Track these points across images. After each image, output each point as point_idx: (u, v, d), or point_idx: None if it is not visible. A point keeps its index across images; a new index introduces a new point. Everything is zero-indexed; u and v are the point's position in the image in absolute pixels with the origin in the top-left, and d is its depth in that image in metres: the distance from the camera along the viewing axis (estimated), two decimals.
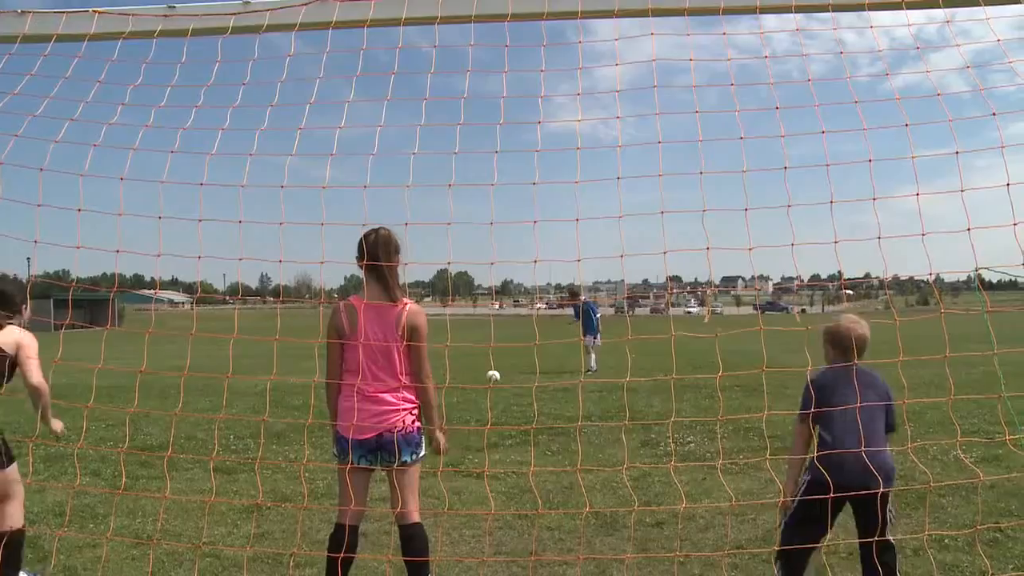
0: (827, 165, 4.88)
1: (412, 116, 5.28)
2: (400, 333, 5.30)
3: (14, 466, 6.08)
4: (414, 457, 5.37)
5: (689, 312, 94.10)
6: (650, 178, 4.98)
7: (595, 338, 23.67)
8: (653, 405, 14.83)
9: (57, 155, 5.18)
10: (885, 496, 4.85)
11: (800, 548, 4.99)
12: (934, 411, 11.08)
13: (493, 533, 7.18)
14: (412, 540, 5.35)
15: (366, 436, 5.29)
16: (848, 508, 4.97)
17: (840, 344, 5.26)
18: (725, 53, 5.22)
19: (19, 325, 6.27)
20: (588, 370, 23.03)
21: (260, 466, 9.94)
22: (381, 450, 5.30)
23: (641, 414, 13.76)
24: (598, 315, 24.50)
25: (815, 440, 5.14)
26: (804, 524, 4.97)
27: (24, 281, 6.68)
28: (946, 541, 6.64)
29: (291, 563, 6.30)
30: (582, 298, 24.79)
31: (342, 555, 5.20)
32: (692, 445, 11.31)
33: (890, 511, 4.94)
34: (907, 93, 4.92)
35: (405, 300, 5.40)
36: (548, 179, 5.04)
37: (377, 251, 5.36)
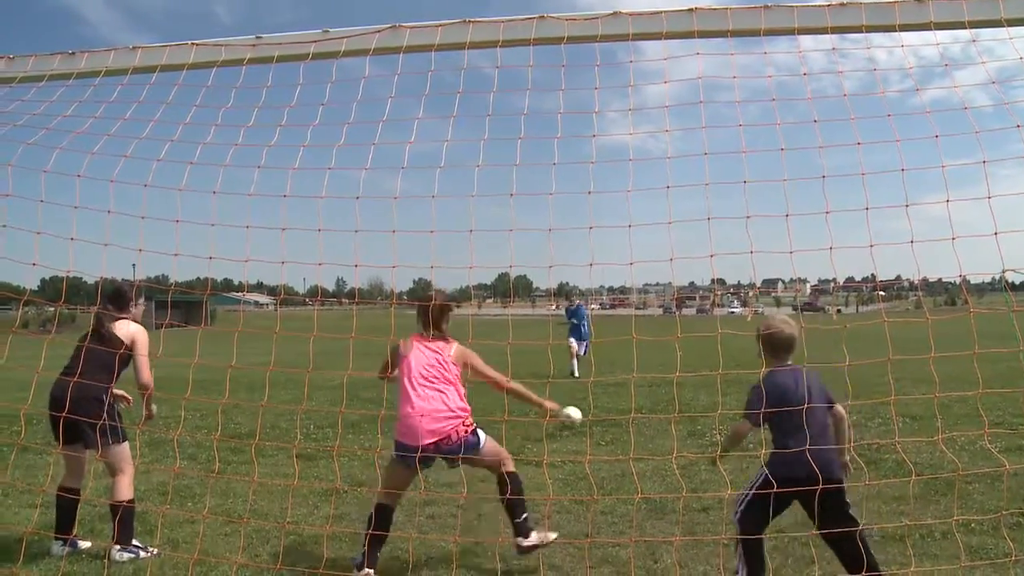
0: (862, 174, 4.83)
1: (476, 132, 5.32)
2: (452, 362, 6.07)
3: (127, 444, 6.46)
4: (476, 451, 5.93)
5: (732, 312, 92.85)
6: (697, 187, 4.97)
7: (583, 344, 21.19)
8: (699, 399, 14.70)
9: (159, 172, 5.33)
10: (841, 489, 4.85)
11: (757, 535, 4.98)
12: (961, 404, 10.83)
13: (551, 517, 7.18)
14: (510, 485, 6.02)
15: (426, 442, 5.76)
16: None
17: (778, 346, 5.18)
18: (766, 71, 5.20)
19: (132, 320, 6.59)
20: (571, 373, 20.68)
21: (338, 453, 10.07)
22: (440, 454, 5.84)
23: (688, 407, 13.66)
24: (587, 320, 21.63)
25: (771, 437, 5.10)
26: (760, 511, 4.91)
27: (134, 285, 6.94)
28: (972, 525, 6.51)
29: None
30: (577, 301, 22.36)
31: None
32: None
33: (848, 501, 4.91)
34: (936, 107, 4.85)
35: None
36: (602, 189, 5.06)
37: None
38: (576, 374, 20.53)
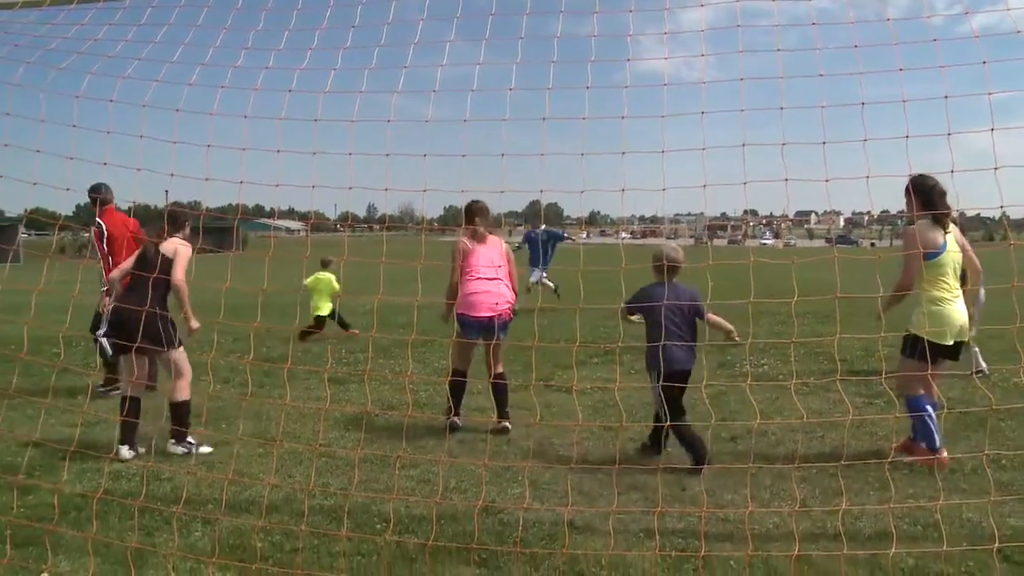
0: (903, 101, 4.69)
1: (508, 55, 5.22)
2: (504, 256, 7.95)
3: (182, 349, 7.12)
4: (504, 336, 7.85)
5: (764, 244, 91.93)
6: (731, 114, 4.85)
7: (541, 271, 19.42)
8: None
9: (190, 97, 5.29)
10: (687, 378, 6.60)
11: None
12: (998, 340, 10.72)
13: (580, 443, 7.24)
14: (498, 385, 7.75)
15: (484, 315, 7.58)
16: None
17: (660, 268, 6.65)
18: None
19: (181, 238, 7.29)
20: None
21: (369, 378, 10.18)
22: (491, 328, 7.54)
23: (719, 336, 13.61)
24: (549, 249, 19.63)
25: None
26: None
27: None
28: (1003, 461, 6.48)
29: (396, 465, 6.47)
30: (541, 227, 20.31)
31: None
32: (766, 367, 11.18)
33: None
34: (985, 32, 4.67)
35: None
36: (634, 114, 4.96)
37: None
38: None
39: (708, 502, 5.68)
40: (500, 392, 7.71)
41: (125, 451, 6.87)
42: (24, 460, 6.11)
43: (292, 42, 5.49)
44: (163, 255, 7.07)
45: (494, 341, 7.48)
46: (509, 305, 7.77)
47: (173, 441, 7.02)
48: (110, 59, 5.48)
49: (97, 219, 9.19)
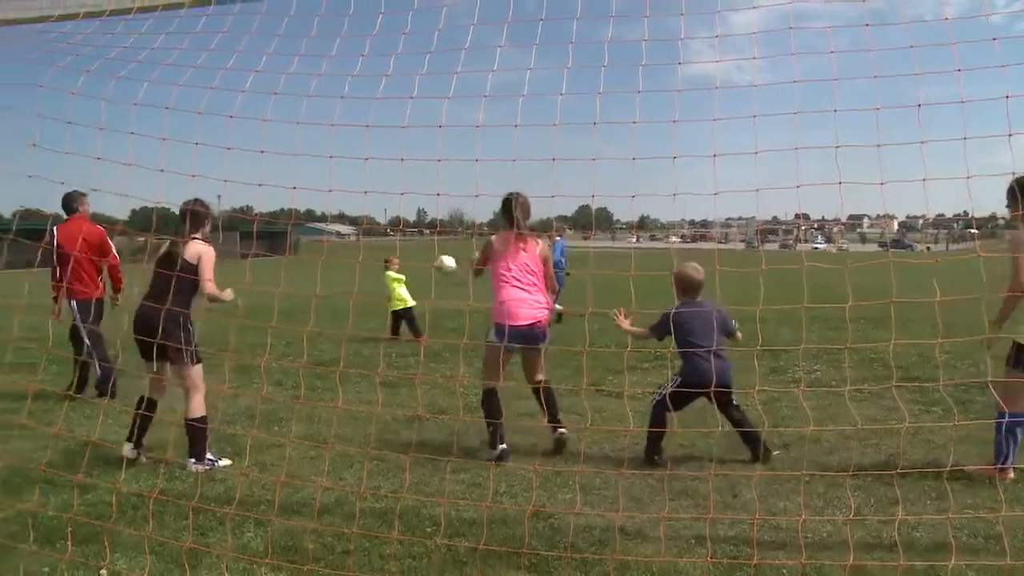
0: (961, 101, 4.58)
1: (559, 60, 5.21)
2: (540, 259, 7.36)
3: (199, 366, 6.86)
4: (545, 343, 7.36)
5: (816, 248, 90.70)
6: (784, 116, 4.78)
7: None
8: (781, 334, 14.50)
9: (244, 103, 5.36)
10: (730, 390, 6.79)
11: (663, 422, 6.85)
12: None
13: (630, 448, 7.21)
14: (547, 392, 7.19)
15: (521, 323, 7.10)
16: None
17: (687, 287, 7.00)
18: None
19: (202, 238, 7.02)
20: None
21: (419, 381, 10.23)
22: (528, 337, 7.14)
23: (770, 342, 13.47)
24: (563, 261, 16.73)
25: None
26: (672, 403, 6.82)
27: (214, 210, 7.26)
28: None
29: (447, 468, 6.49)
30: (557, 237, 17.25)
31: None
32: (819, 373, 11.02)
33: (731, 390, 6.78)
34: None
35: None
36: (685, 118, 4.92)
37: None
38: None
39: (760, 509, 5.61)
40: (550, 397, 7.21)
41: (128, 449, 6.81)
42: (84, 460, 6.23)
43: (344, 49, 5.54)
44: (185, 260, 6.81)
45: (535, 347, 7.22)
46: (547, 312, 7.41)
47: (193, 460, 6.76)
48: (166, 67, 5.58)
49: (50, 226, 9.22)
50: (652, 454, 6.90)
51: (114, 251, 9.62)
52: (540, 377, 7.31)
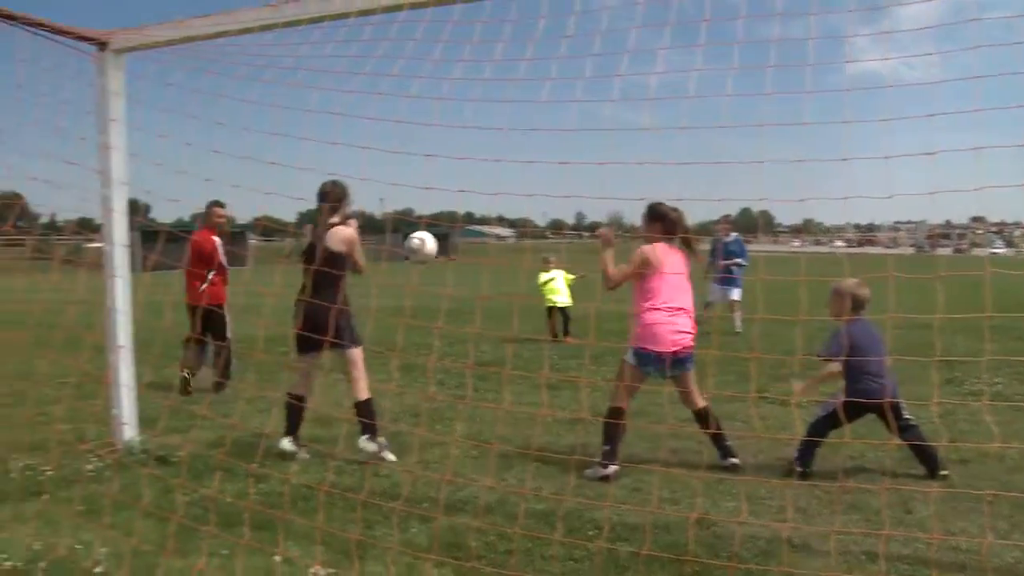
0: None
1: (722, 61, 5.06)
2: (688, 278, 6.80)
3: (359, 349, 7.07)
4: (690, 368, 6.77)
5: (995, 253, 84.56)
6: (964, 115, 4.45)
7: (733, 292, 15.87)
8: (956, 344, 13.58)
9: (408, 109, 5.50)
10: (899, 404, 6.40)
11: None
12: None
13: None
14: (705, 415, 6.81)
15: (669, 350, 6.50)
16: None
17: (858, 304, 6.65)
18: None
19: (341, 220, 7.12)
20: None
21: (583, 384, 10.21)
22: (673, 364, 6.55)
23: (945, 352, 12.64)
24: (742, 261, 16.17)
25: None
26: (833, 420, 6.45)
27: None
28: None
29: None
30: (733, 234, 16.53)
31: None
32: (1000, 386, 10.26)
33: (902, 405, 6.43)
34: None
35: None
36: (851, 118, 4.67)
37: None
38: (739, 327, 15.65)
39: (938, 528, 5.27)
40: (715, 427, 6.81)
41: (287, 442, 7.07)
42: (259, 450, 6.53)
43: (506, 53, 5.58)
44: (332, 251, 6.91)
45: (682, 373, 6.68)
46: (692, 335, 6.67)
47: (366, 437, 6.95)
48: (335, 75, 5.79)
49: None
50: (803, 461, 6.59)
51: (221, 259, 10.04)
52: (701, 404, 6.80)
